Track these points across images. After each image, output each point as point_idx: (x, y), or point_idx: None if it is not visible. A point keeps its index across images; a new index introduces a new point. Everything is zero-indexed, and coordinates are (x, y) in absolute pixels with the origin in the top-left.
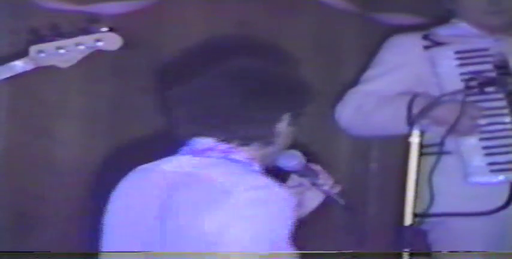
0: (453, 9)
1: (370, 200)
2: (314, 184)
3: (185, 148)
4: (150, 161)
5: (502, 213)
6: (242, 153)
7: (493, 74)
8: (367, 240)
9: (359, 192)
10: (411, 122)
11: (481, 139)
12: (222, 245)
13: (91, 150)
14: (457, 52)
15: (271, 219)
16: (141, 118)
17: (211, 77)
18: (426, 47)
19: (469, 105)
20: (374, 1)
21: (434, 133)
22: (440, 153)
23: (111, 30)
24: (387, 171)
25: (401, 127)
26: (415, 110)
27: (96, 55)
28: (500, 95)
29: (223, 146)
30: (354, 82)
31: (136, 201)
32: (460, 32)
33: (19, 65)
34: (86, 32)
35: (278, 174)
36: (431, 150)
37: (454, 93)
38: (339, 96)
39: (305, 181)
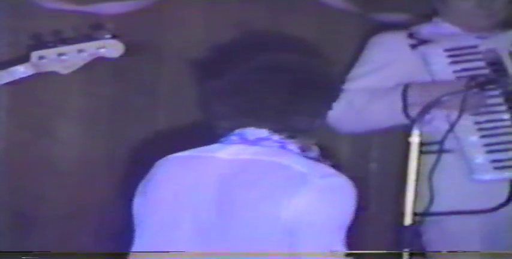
0: (438, 9)
1: (370, 199)
2: None
3: (233, 138)
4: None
5: (499, 212)
6: (292, 145)
7: (486, 71)
8: (367, 240)
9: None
10: (407, 111)
11: (482, 136)
12: (299, 231)
13: (91, 150)
14: (446, 50)
15: (343, 206)
16: (141, 118)
17: (253, 70)
18: (412, 46)
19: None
20: (374, 1)
21: (435, 131)
22: (441, 152)
23: (113, 37)
24: (387, 171)
25: (397, 117)
26: (410, 99)
27: (98, 58)
28: (496, 92)
29: (276, 137)
30: (341, 81)
31: (186, 189)
32: (442, 31)
33: (20, 70)
34: (88, 38)
35: None
36: (432, 149)
37: (454, 93)
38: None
39: None
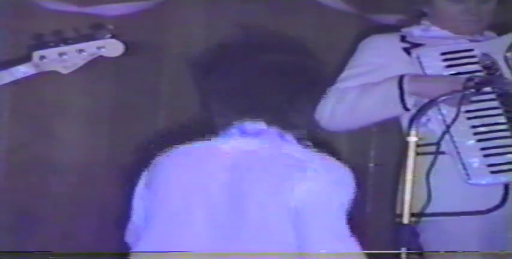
0: (427, 12)
1: (368, 199)
2: None
3: (232, 131)
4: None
5: (496, 212)
6: (289, 136)
7: (482, 75)
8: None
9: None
10: (404, 100)
11: (479, 140)
12: (305, 213)
13: (92, 150)
14: (443, 53)
15: (343, 190)
16: (142, 118)
17: (252, 70)
18: (405, 49)
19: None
20: (372, 2)
21: (431, 133)
22: (437, 153)
23: (113, 37)
24: (385, 171)
25: (395, 107)
26: (406, 88)
27: (98, 57)
28: (492, 96)
29: (274, 129)
30: (331, 83)
31: (194, 181)
32: (433, 34)
33: (21, 70)
34: (88, 38)
35: None
36: (428, 150)
37: (451, 93)
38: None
39: None
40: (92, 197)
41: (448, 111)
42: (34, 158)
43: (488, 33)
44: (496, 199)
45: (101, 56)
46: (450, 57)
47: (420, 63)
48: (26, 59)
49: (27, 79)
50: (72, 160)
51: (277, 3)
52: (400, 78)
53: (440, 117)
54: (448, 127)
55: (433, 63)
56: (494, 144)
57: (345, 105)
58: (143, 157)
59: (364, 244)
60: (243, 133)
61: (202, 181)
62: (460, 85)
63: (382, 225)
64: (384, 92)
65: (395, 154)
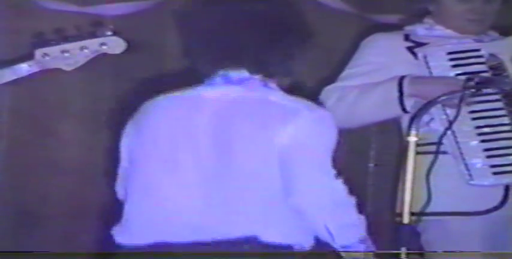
0: (431, 10)
1: (368, 199)
2: None
3: (217, 79)
4: None
5: (496, 213)
6: (273, 84)
7: (486, 75)
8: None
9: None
10: (403, 102)
11: (482, 141)
12: (294, 154)
13: (92, 149)
14: (449, 53)
15: (330, 133)
16: None
17: (231, 16)
18: (409, 48)
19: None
20: (372, 2)
21: (433, 132)
22: (438, 153)
23: (115, 33)
24: (385, 171)
25: (394, 109)
26: (406, 90)
27: (99, 56)
28: (497, 96)
29: (257, 77)
30: (332, 80)
31: (182, 127)
32: (437, 33)
33: (24, 68)
34: (90, 36)
35: None
36: (429, 149)
37: (452, 93)
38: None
39: None
40: (91, 197)
41: (453, 111)
42: (34, 158)
43: (491, 33)
44: (496, 200)
45: (104, 54)
46: (457, 57)
47: (427, 63)
48: (29, 56)
49: (28, 78)
50: (72, 160)
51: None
52: (400, 80)
53: (444, 117)
54: (448, 127)
55: (440, 63)
56: (498, 145)
57: (345, 105)
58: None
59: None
60: (227, 81)
61: (188, 127)
62: (460, 87)
63: (382, 225)
64: (384, 93)
65: (395, 154)
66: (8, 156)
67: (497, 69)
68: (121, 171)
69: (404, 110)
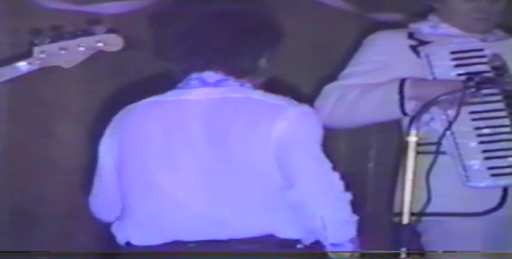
0: (436, 7)
1: (368, 199)
2: None
3: (192, 82)
4: None
5: (496, 213)
6: (248, 84)
7: (491, 75)
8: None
9: (357, 191)
10: (403, 105)
11: (481, 142)
12: (288, 147)
13: (91, 149)
14: (452, 52)
15: (316, 126)
16: None
17: (201, 17)
18: (412, 47)
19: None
20: (372, 1)
21: (433, 132)
22: (438, 153)
23: (113, 31)
24: (385, 170)
25: (393, 111)
26: (407, 92)
27: (96, 55)
28: (498, 97)
29: (232, 77)
30: (332, 79)
31: (169, 132)
32: (442, 32)
33: (24, 66)
34: (88, 33)
35: None
36: (429, 149)
37: (452, 92)
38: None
39: None
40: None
41: (453, 111)
42: (31, 157)
43: (497, 32)
44: (494, 202)
45: (101, 51)
46: (460, 56)
47: (429, 62)
48: (27, 54)
49: (26, 76)
50: (71, 159)
51: (276, 2)
52: (401, 83)
53: (444, 117)
54: (448, 127)
55: (442, 63)
56: (497, 147)
57: (345, 105)
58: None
59: (364, 244)
60: (204, 84)
61: (179, 128)
62: (457, 94)
63: (382, 225)
64: (384, 95)
65: (396, 154)
66: (6, 155)
67: (499, 69)
68: (99, 180)
69: (404, 112)
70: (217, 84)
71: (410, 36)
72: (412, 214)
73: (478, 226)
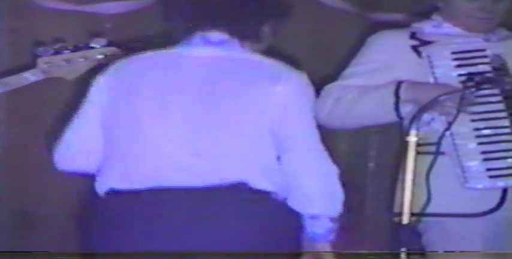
0: (439, 7)
1: (368, 199)
2: None
3: (196, 41)
4: None
5: (496, 214)
6: (249, 47)
7: (491, 75)
8: (364, 240)
9: (357, 191)
10: (398, 108)
11: (480, 143)
12: (286, 111)
13: None
14: (454, 53)
15: (311, 93)
16: None
17: None
18: (414, 47)
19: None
20: (372, 1)
21: (433, 132)
22: (437, 153)
23: (112, 44)
24: (384, 170)
25: (388, 114)
26: (403, 96)
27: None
28: (498, 98)
29: (235, 39)
30: (334, 79)
31: (164, 82)
32: (445, 31)
33: (30, 77)
34: (89, 46)
35: None
36: (430, 149)
37: (452, 92)
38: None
39: None
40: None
41: (452, 112)
42: (32, 158)
43: (500, 31)
44: (494, 202)
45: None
46: (461, 56)
47: (430, 62)
48: (31, 65)
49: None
50: None
51: None
52: (398, 86)
53: (444, 117)
54: (447, 128)
55: (443, 63)
56: (496, 148)
57: (342, 106)
58: None
59: (364, 244)
60: (206, 42)
61: (173, 80)
62: (456, 94)
63: (382, 225)
64: (380, 98)
65: (396, 154)
66: (6, 155)
67: (500, 70)
68: (79, 117)
69: (399, 116)
70: (219, 44)
71: (413, 36)
72: (412, 214)
73: (478, 226)
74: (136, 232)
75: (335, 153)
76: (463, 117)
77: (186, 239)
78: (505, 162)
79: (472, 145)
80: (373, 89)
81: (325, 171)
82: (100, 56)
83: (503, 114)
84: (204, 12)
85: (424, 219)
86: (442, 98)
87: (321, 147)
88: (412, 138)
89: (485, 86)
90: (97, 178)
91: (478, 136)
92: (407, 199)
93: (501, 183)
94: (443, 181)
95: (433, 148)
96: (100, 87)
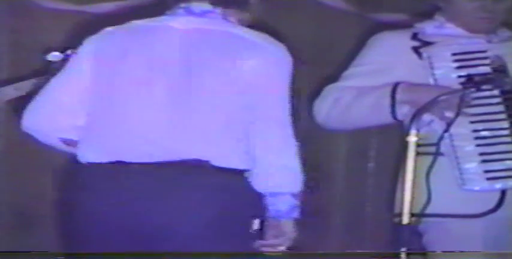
0: (441, 7)
1: (368, 199)
2: None
3: (179, 11)
4: None
5: (496, 214)
6: (232, 17)
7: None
8: (364, 240)
9: (357, 191)
10: (394, 110)
11: (478, 145)
12: (258, 84)
13: None
14: (454, 54)
15: (288, 66)
16: None
17: None
18: (415, 48)
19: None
20: (372, 1)
21: (432, 133)
22: (437, 154)
23: None
24: (384, 171)
25: (384, 116)
26: (399, 97)
27: None
28: (497, 100)
29: (219, 9)
30: (334, 79)
31: (145, 52)
32: (447, 32)
33: (41, 81)
34: None
35: None
36: (429, 150)
37: (452, 93)
38: (318, 92)
39: None
40: None
41: (452, 113)
42: (32, 157)
43: (502, 32)
44: (492, 203)
45: None
46: (462, 58)
47: (431, 63)
48: (43, 71)
49: None
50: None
51: (276, 2)
52: (394, 87)
53: (443, 118)
54: (446, 129)
55: (444, 64)
56: (494, 150)
57: (340, 107)
58: None
59: (364, 244)
60: (190, 13)
61: (154, 51)
62: (456, 94)
63: (382, 225)
64: (377, 99)
65: (396, 154)
66: (6, 155)
67: (499, 71)
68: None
69: (395, 117)
70: (201, 14)
71: (414, 37)
72: (412, 215)
73: (478, 226)
74: (102, 204)
75: (335, 153)
76: (462, 119)
77: (144, 213)
78: (503, 164)
79: (470, 147)
80: (371, 91)
81: (285, 145)
82: None
83: (502, 116)
84: None
85: (424, 219)
86: (441, 98)
87: (287, 122)
88: (412, 139)
89: (485, 86)
90: (77, 149)
91: (477, 138)
92: (407, 199)
93: (499, 185)
94: (443, 181)
95: (433, 149)
96: (83, 55)
